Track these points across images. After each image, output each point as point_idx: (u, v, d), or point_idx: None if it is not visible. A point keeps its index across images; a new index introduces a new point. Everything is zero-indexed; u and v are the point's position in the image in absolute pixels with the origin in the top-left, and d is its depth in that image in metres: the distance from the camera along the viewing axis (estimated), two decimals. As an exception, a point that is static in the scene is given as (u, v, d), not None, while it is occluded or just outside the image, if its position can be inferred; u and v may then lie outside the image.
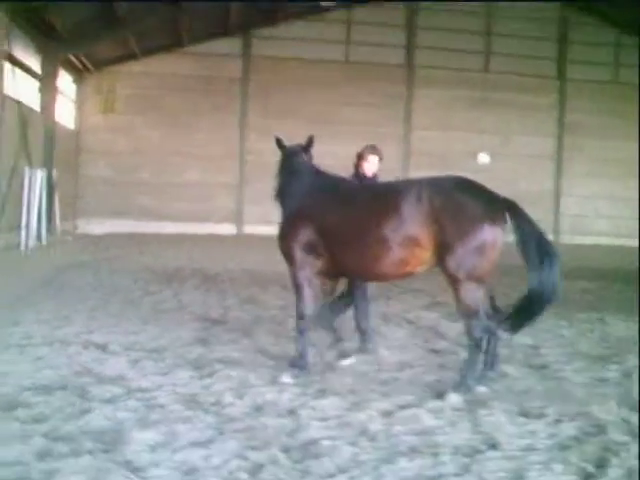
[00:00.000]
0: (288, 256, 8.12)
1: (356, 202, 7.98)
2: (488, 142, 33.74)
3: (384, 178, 9.28)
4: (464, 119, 33.54)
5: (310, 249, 7.93)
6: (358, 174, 9.25)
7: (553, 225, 34.45)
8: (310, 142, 8.73)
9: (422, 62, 33.31)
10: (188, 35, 31.48)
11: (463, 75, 33.55)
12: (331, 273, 8.22)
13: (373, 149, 9.33)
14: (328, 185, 8.40)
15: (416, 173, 32.15)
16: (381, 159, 9.34)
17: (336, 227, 7.82)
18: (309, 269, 8.00)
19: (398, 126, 33.15)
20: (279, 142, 8.77)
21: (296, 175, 8.49)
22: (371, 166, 9.26)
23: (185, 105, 32.37)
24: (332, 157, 30.92)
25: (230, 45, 32.47)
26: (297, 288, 8.06)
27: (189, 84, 32.33)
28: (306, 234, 7.95)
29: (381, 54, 32.84)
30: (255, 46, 32.67)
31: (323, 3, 31.04)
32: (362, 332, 9.13)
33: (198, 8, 28.79)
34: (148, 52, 31.90)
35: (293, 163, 8.59)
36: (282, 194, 8.57)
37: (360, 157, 9.30)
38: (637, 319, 11.99)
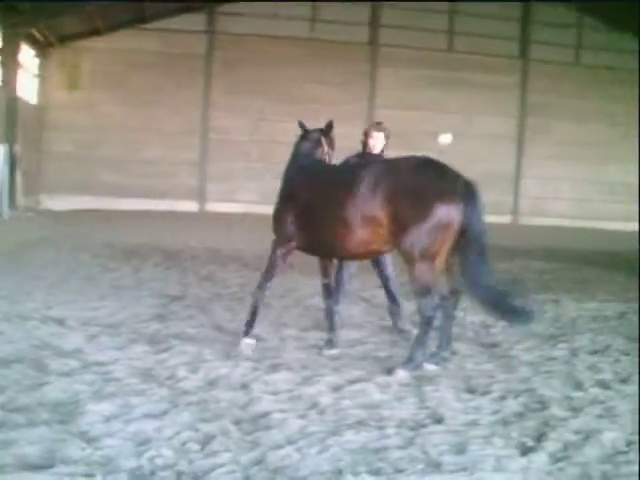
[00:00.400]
0: (274, 232, 8.44)
1: (325, 183, 8.21)
2: (451, 122, 33.94)
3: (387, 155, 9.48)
4: (427, 98, 33.71)
5: (290, 228, 8.19)
6: (364, 151, 9.62)
7: (513, 206, 34.87)
8: (329, 126, 9.02)
9: (386, 41, 33.37)
10: (152, 11, 31.36)
11: (427, 54, 33.67)
12: (308, 252, 8.49)
13: (378, 126, 9.83)
14: (310, 166, 8.65)
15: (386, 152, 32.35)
16: (388, 136, 9.85)
17: (308, 208, 8.06)
18: (286, 247, 8.27)
19: (362, 104, 33.27)
20: (301, 125, 9.09)
21: (293, 158, 8.88)
22: (377, 143, 9.66)
23: (148, 82, 32.26)
24: (296, 134, 31.40)
25: (194, 22, 32.35)
26: (270, 261, 8.37)
27: (153, 61, 32.19)
28: (287, 214, 8.22)
29: (346, 32, 32.85)
30: (219, 22, 32.58)
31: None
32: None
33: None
34: (112, 28, 31.73)
35: (295, 146, 8.95)
36: (283, 175, 8.84)
37: (366, 134, 9.68)
38: (590, 300, 12.33)
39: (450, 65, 33.96)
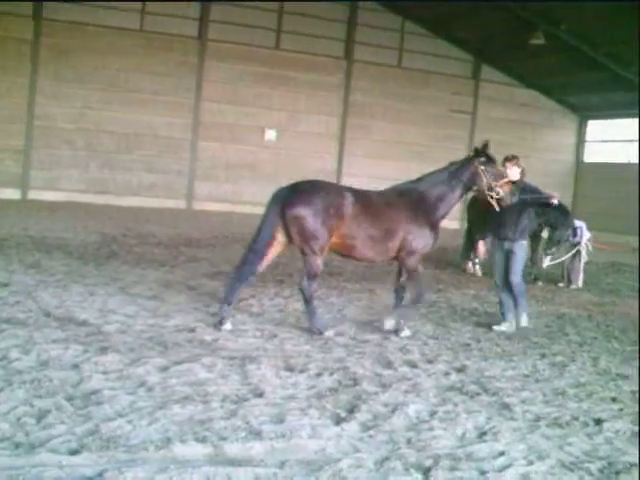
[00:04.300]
0: None
1: None
2: (276, 118, 34.44)
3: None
4: (253, 94, 34.04)
5: None
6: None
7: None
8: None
9: (214, 36, 33.48)
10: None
11: (254, 51, 34.03)
12: None
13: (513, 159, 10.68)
14: None
15: (205, 143, 32.63)
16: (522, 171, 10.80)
17: None
18: None
19: (189, 96, 33.30)
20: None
21: None
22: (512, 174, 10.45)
23: (-31, 65, 31.21)
24: (126, 125, 31.07)
25: (21, 6, 31.47)
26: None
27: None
28: None
29: (175, 25, 32.71)
30: (47, 9, 31.82)
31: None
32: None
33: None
34: None
35: None
36: None
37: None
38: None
39: (277, 63, 34.40)
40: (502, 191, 9.93)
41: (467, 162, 10.04)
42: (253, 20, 33.54)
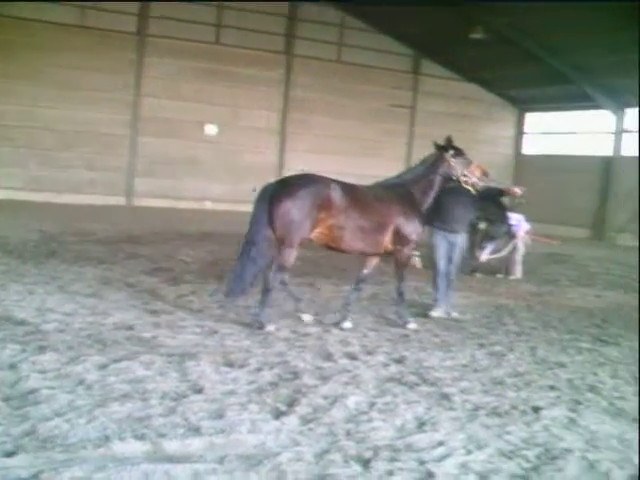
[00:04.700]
0: None
1: None
2: (217, 113, 34.28)
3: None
4: (194, 89, 33.83)
5: None
6: None
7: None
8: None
9: (154, 31, 33.23)
10: None
11: (194, 46, 33.81)
12: None
13: None
14: None
15: (145, 139, 32.37)
16: None
17: None
18: None
19: (128, 93, 32.97)
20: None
21: None
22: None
23: None
24: (66, 121, 30.67)
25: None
26: None
27: None
28: None
29: (115, 21, 32.32)
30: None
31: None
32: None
33: None
34: None
35: None
36: None
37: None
38: (344, 284, 13.16)
39: (217, 58, 34.24)
40: (474, 176, 10.61)
41: (440, 156, 10.53)
42: (193, 15, 33.31)
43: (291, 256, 9.55)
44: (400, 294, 10.40)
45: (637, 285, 16.86)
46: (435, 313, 11.18)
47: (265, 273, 9.58)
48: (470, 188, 10.69)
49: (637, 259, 21.03)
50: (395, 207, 10.07)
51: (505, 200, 14.99)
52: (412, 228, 10.17)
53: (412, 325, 10.15)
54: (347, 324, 9.87)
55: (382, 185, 10.61)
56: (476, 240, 16.62)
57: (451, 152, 10.52)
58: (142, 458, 5.04)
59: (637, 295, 15.00)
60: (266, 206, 9.39)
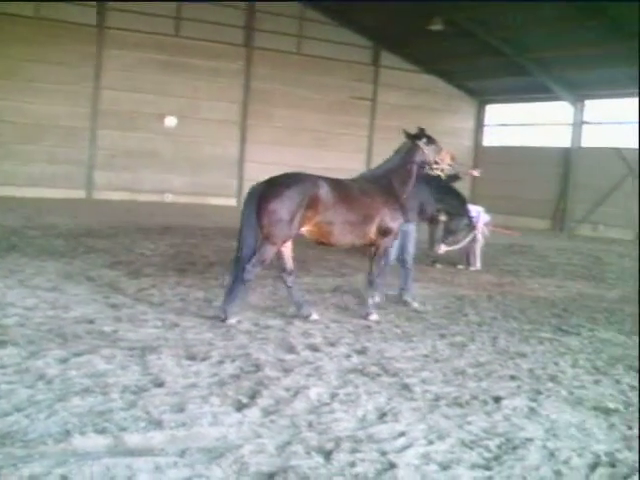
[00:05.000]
0: None
1: None
2: (177, 105, 34.12)
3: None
4: (153, 82, 33.63)
5: None
6: None
7: (237, 189, 35.65)
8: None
9: (113, 24, 32.96)
10: None
11: (153, 38, 33.62)
12: None
13: None
14: None
15: (105, 132, 32.15)
16: None
17: None
18: None
19: (88, 85, 32.69)
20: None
21: None
22: None
23: None
24: (26, 115, 30.36)
25: None
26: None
27: None
28: None
29: (72, 13, 32.06)
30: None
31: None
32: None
33: None
34: None
35: None
36: None
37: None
38: (306, 275, 13.17)
39: (177, 50, 34.06)
40: (444, 163, 10.96)
41: (413, 145, 10.72)
42: (152, 7, 33.07)
43: (271, 253, 9.56)
44: (371, 283, 10.43)
45: (595, 275, 17.09)
46: (407, 298, 11.57)
47: (244, 265, 9.43)
48: (440, 174, 11.05)
49: (596, 249, 21.28)
50: (379, 199, 10.21)
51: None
52: (395, 218, 10.34)
53: (374, 317, 10.19)
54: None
55: (365, 177, 10.83)
56: (436, 232, 16.75)
57: (424, 140, 10.71)
58: (103, 452, 5.02)
59: (593, 285, 15.19)
60: (254, 208, 9.42)
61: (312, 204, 9.45)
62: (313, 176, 9.92)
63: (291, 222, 9.32)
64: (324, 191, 9.61)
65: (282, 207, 9.27)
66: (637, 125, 31.24)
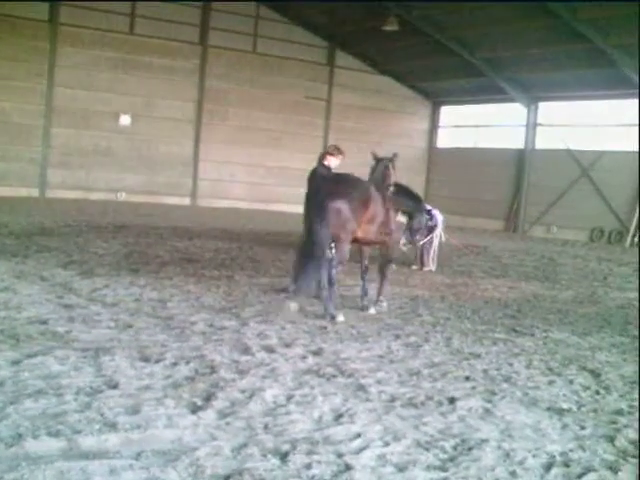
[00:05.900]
0: None
1: None
2: (131, 103, 33.95)
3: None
4: (107, 80, 33.42)
5: None
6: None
7: (192, 188, 35.54)
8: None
9: (67, 20, 32.65)
10: None
11: (108, 36, 33.39)
12: None
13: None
14: None
15: (58, 130, 31.86)
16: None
17: None
18: None
19: (41, 82, 32.37)
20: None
21: None
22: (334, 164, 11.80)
23: None
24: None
25: None
26: None
27: None
28: None
29: (26, 9, 31.68)
30: None
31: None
32: None
33: None
34: None
35: None
36: None
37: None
38: (262, 276, 13.14)
39: (131, 48, 33.87)
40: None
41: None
42: (106, 4, 32.84)
43: (347, 251, 10.32)
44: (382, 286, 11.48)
45: (548, 276, 17.27)
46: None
47: (328, 270, 10.12)
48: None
49: (549, 250, 21.48)
50: (384, 202, 10.99)
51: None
52: (392, 220, 11.31)
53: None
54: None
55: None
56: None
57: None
58: (57, 456, 4.94)
59: (546, 286, 15.35)
60: (320, 207, 9.91)
61: (366, 204, 10.30)
62: (359, 178, 10.76)
63: (354, 220, 10.10)
64: (373, 192, 10.56)
65: (349, 206, 10.00)
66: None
